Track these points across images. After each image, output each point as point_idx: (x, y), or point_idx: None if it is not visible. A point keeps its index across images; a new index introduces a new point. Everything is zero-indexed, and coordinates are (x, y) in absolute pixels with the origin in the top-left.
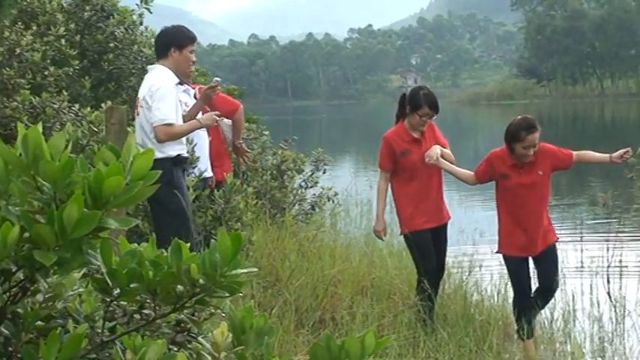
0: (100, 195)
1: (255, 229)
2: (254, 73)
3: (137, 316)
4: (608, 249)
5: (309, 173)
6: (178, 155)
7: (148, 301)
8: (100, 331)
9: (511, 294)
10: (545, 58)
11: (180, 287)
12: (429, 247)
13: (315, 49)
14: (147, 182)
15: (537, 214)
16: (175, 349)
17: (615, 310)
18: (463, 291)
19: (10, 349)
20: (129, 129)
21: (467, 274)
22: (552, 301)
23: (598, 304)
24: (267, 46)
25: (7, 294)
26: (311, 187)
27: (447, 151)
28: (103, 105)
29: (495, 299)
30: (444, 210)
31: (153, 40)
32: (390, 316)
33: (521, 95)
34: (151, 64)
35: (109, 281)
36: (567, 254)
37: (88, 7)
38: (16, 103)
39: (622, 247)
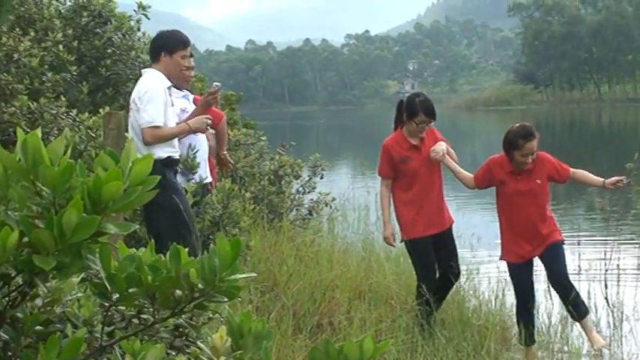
0: (99, 200)
1: (253, 235)
2: (251, 78)
3: (135, 320)
4: (605, 254)
5: (307, 178)
6: (169, 157)
7: (146, 305)
8: (98, 335)
9: (509, 299)
10: (543, 64)
11: (178, 292)
12: (428, 254)
13: (312, 55)
14: (146, 187)
15: (535, 220)
16: (174, 353)
17: (613, 315)
18: (461, 296)
19: (9, 353)
20: (126, 134)
21: (464, 279)
22: (550, 306)
23: (596, 309)
24: (265, 51)
25: (7, 298)
26: (308, 192)
27: (451, 151)
28: (100, 110)
29: (493, 304)
30: (446, 215)
31: None
32: (387, 321)
33: (518, 101)
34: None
35: (107, 286)
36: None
37: (85, 13)
38: (14, 109)
39: (619, 252)
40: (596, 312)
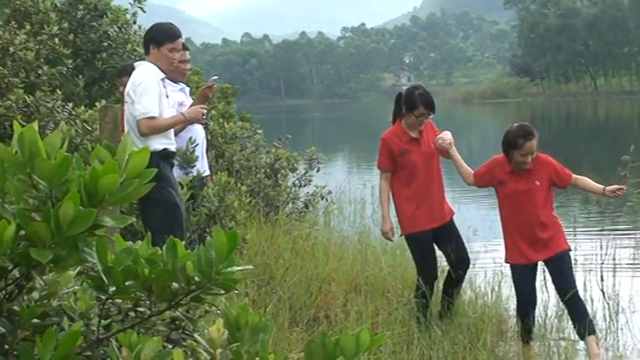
0: (96, 193)
1: (249, 228)
2: (247, 71)
3: (132, 313)
4: (601, 246)
5: (303, 172)
6: (165, 149)
7: (143, 298)
8: (95, 328)
9: (505, 291)
10: (539, 57)
11: (175, 284)
12: (429, 248)
13: (308, 48)
14: (142, 180)
15: (534, 222)
16: (170, 346)
17: (609, 307)
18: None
19: (6, 346)
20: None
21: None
22: (546, 299)
23: (591, 301)
24: (261, 44)
25: (4, 291)
26: (304, 185)
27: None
28: (96, 104)
29: (489, 297)
30: (446, 208)
31: None
32: (384, 314)
33: (514, 93)
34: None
35: (104, 279)
36: None
37: (81, 6)
38: (9, 102)
39: (615, 244)
40: (592, 304)
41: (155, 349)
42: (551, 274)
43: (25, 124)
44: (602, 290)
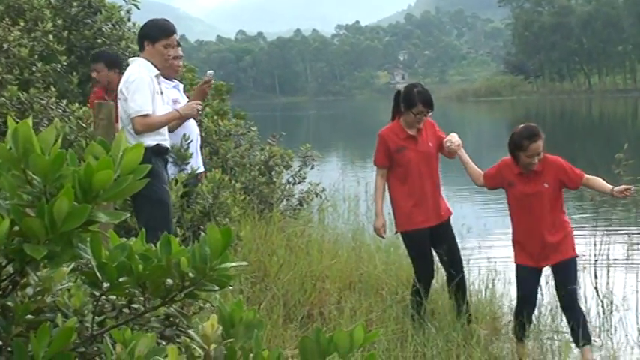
0: (90, 189)
1: (243, 225)
2: (241, 69)
3: (126, 310)
4: (595, 243)
5: (297, 169)
6: (157, 145)
7: (137, 294)
8: (88, 325)
9: (499, 289)
10: (533, 55)
11: (169, 281)
12: (425, 246)
13: (302, 46)
14: (137, 176)
15: (543, 225)
16: (164, 342)
17: (602, 305)
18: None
19: (0, 342)
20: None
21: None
22: (540, 297)
23: (585, 299)
24: (255, 42)
25: None
26: (299, 182)
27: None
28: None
29: (483, 294)
30: (443, 207)
31: None
32: (378, 311)
33: (508, 91)
34: (134, 57)
35: (98, 275)
36: None
37: (75, 3)
38: (3, 99)
39: (609, 242)
40: (586, 302)
41: (149, 345)
42: (555, 279)
43: (19, 120)
44: (595, 288)
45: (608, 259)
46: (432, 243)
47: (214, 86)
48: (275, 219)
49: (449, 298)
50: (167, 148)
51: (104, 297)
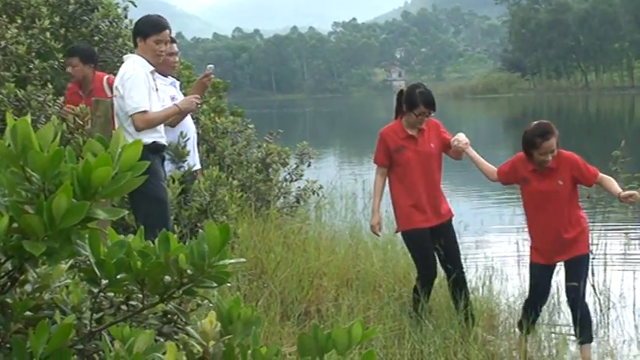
0: (89, 185)
1: (241, 222)
2: (238, 66)
3: (124, 307)
4: (592, 241)
5: (294, 166)
6: (154, 142)
7: (135, 291)
8: (87, 322)
9: (496, 286)
10: (530, 52)
11: (168, 277)
12: (426, 244)
13: (299, 43)
14: (135, 173)
15: (558, 222)
16: (162, 339)
17: (599, 302)
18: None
19: None
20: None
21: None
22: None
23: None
24: (252, 39)
25: None
26: (296, 180)
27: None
28: None
29: (480, 291)
30: (444, 208)
31: None
32: (375, 308)
33: (505, 89)
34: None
35: (97, 271)
36: None
37: (72, 1)
38: (1, 96)
39: (606, 240)
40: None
41: (148, 342)
42: (565, 274)
43: (17, 118)
44: (592, 285)
45: (605, 256)
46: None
47: (211, 83)
48: (272, 216)
49: (451, 299)
50: (164, 146)
51: (102, 294)
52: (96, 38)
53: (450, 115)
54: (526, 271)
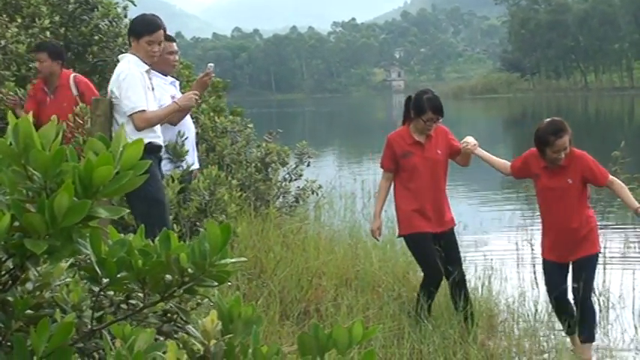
0: (90, 184)
1: (240, 222)
2: (238, 66)
3: (124, 305)
4: None
5: (293, 166)
6: (150, 143)
7: (135, 289)
8: (87, 320)
9: (495, 286)
10: (529, 52)
11: (169, 276)
12: (429, 247)
13: (298, 43)
14: (136, 172)
15: (567, 219)
16: (162, 338)
17: (599, 303)
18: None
19: None
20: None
21: None
22: (537, 294)
23: None
24: (251, 39)
25: None
26: (295, 179)
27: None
28: None
29: (479, 292)
30: (448, 216)
31: None
32: (374, 308)
33: (504, 89)
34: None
35: (98, 270)
36: None
37: (72, 0)
38: (1, 95)
39: (605, 240)
40: None
41: (148, 341)
42: (573, 274)
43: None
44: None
45: (604, 257)
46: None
47: (211, 83)
48: (271, 216)
49: (451, 299)
50: (161, 146)
51: (102, 293)
52: (96, 37)
53: (449, 115)
54: (525, 271)
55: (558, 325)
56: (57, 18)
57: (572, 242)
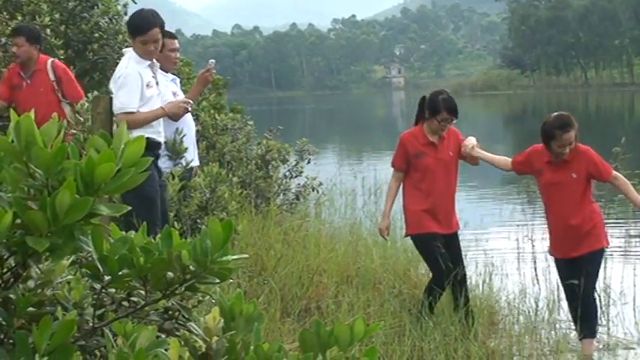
0: (92, 181)
1: (240, 219)
2: (238, 63)
3: (125, 303)
4: None
5: (294, 163)
6: (147, 139)
7: (137, 286)
8: (88, 318)
9: (496, 283)
10: (529, 49)
11: (170, 274)
12: (438, 246)
13: (298, 40)
14: (138, 169)
15: (571, 215)
16: (163, 336)
17: (600, 299)
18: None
19: (1, 335)
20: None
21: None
22: (537, 291)
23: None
24: (251, 36)
25: (0, 280)
26: (295, 176)
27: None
28: (88, 95)
29: (480, 289)
30: (454, 219)
31: None
32: (375, 305)
33: (505, 85)
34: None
35: (100, 267)
36: None
37: None
38: None
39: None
40: None
41: (150, 338)
42: (577, 269)
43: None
44: None
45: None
46: None
47: (211, 79)
48: (272, 213)
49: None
50: (159, 143)
51: (103, 290)
52: (96, 35)
53: None
54: (526, 268)
55: (559, 322)
56: (57, 15)
57: (576, 238)
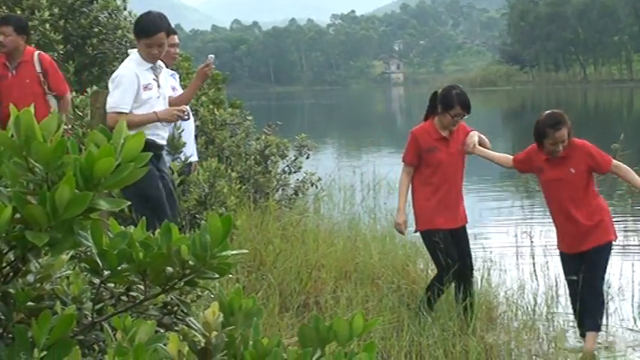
0: (92, 176)
1: (239, 214)
2: (237, 58)
3: (124, 298)
4: None
5: (293, 158)
6: (146, 140)
7: (136, 281)
8: (87, 312)
9: (494, 279)
10: (528, 45)
11: (169, 268)
12: (447, 244)
13: (298, 35)
14: (137, 164)
15: (573, 210)
16: (162, 330)
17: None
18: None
19: (0, 329)
20: None
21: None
22: (536, 286)
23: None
24: (250, 31)
25: None
26: (294, 172)
27: (483, 137)
28: (87, 89)
29: (479, 284)
30: (462, 213)
31: None
32: (374, 300)
33: (504, 81)
34: (135, 48)
35: (99, 262)
36: (550, 239)
37: None
38: None
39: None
40: None
41: (149, 333)
42: (584, 263)
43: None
44: None
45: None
46: None
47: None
48: (271, 208)
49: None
50: (159, 145)
51: (103, 285)
52: (95, 30)
53: None
54: (525, 264)
55: (557, 317)
56: (56, 10)
57: (581, 233)
